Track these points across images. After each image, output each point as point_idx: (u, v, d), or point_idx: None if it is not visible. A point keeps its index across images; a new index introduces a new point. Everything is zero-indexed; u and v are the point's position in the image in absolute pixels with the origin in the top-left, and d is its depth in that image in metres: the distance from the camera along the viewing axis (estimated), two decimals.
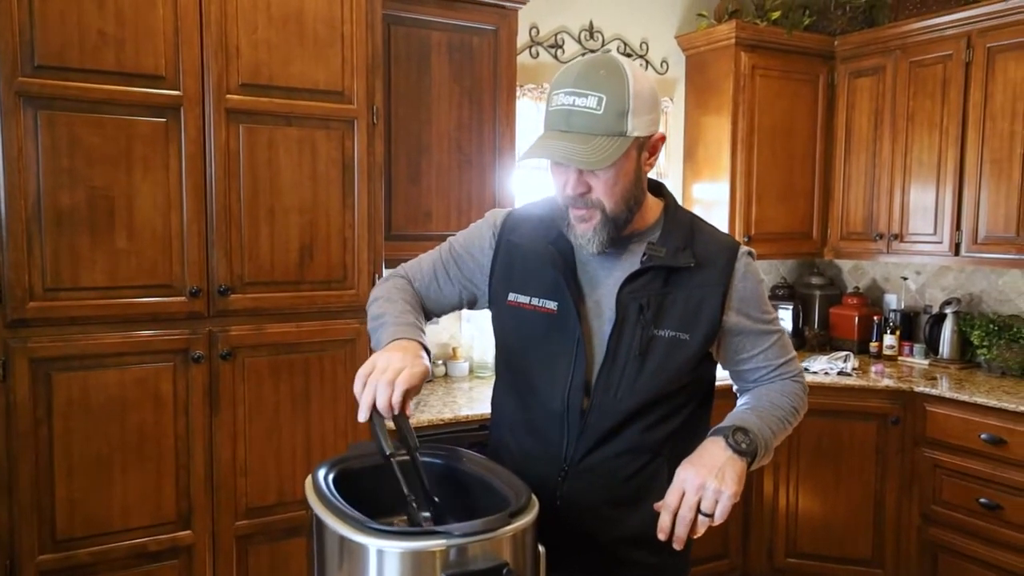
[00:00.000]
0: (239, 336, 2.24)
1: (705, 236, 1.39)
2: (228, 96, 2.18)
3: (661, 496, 1.31)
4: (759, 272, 1.41)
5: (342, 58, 2.32)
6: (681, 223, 1.39)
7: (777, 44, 3.57)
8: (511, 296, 1.41)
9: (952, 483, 3.01)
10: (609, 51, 1.31)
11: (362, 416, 1.18)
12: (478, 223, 1.51)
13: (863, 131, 3.65)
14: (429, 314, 1.50)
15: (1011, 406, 2.80)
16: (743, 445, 1.26)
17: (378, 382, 1.17)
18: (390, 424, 1.19)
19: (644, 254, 1.33)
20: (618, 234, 1.31)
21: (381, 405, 1.17)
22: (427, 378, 1.24)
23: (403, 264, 1.55)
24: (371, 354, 1.27)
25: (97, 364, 2.09)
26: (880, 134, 3.57)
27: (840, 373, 3.37)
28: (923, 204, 3.41)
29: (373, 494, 1.26)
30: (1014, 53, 3.05)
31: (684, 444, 1.37)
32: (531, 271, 1.39)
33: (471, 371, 3.31)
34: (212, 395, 2.22)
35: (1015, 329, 3.26)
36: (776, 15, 3.54)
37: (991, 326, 3.32)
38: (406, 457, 1.21)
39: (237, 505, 2.27)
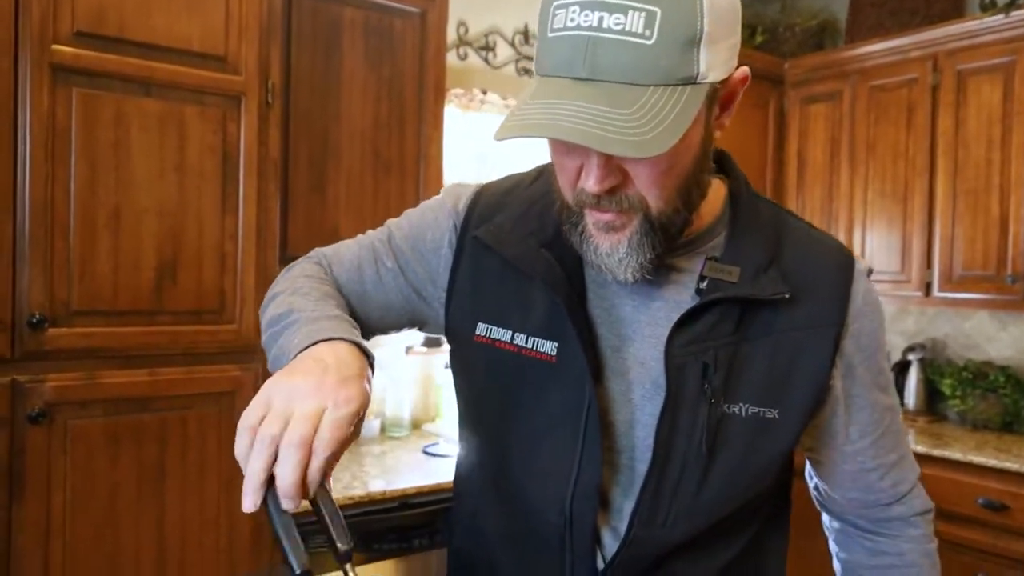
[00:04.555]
0: (60, 388, 1.56)
1: (800, 243, 0.86)
2: (55, 47, 1.54)
3: None
4: (880, 303, 0.89)
5: (226, 11, 1.73)
6: (761, 220, 0.85)
7: None
8: (480, 328, 0.86)
9: (944, 555, 2.61)
10: None
11: (248, 504, 0.62)
12: (432, 204, 0.95)
13: (818, 162, 3.34)
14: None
15: (1014, 466, 2.45)
16: None
17: (279, 442, 0.62)
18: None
19: (702, 277, 0.80)
20: (667, 249, 0.77)
21: (285, 486, 0.61)
22: (365, 412, 0.69)
23: (317, 249, 0.97)
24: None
25: None
26: (837, 164, 3.27)
27: None
28: (887, 240, 3.10)
29: None
30: (987, 76, 2.81)
31: (755, 566, 0.89)
32: (512, 290, 0.85)
33: (383, 430, 2.68)
34: (13, 475, 1.51)
35: (991, 378, 2.96)
36: None
37: (963, 374, 3.01)
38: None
39: None
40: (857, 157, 3.19)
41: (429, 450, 2.47)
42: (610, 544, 0.81)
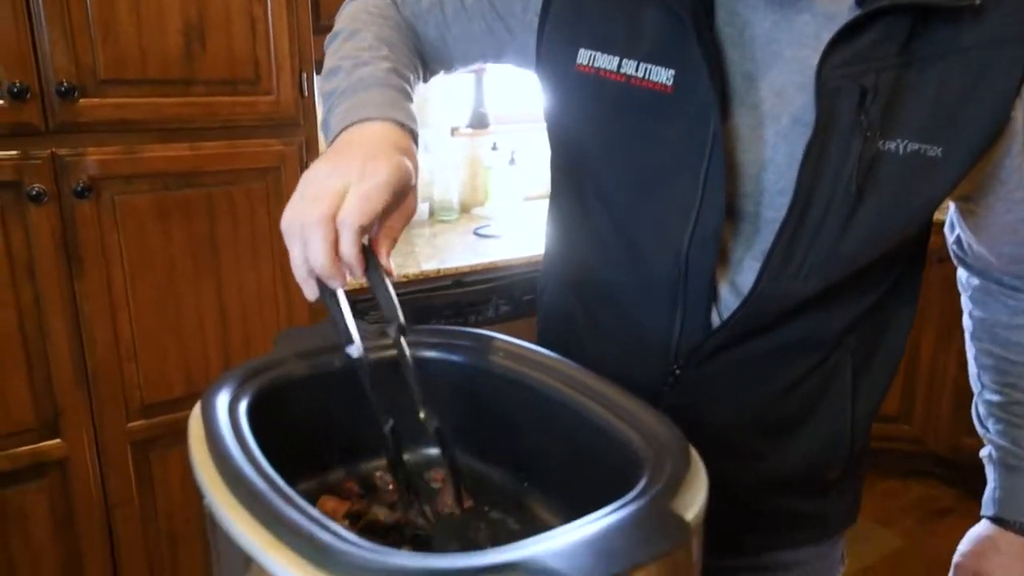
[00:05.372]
0: (102, 163, 1.52)
1: None
2: None
3: (833, 413, 0.77)
4: None
5: None
6: None
7: None
8: (582, 56, 0.74)
9: None
10: None
11: (308, 293, 0.60)
12: None
13: None
14: (430, 65, 0.84)
15: None
16: None
17: (308, 229, 0.57)
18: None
19: None
20: None
21: (317, 266, 0.57)
22: (407, 184, 0.61)
23: None
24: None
25: None
26: None
27: None
28: None
29: (335, 426, 0.67)
30: None
31: (879, 325, 0.79)
32: (620, 7, 0.72)
33: (432, 214, 2.65)
34: (69, 249, 1.52)
35: None
36: None
37: None
38: (388, 352, 0.66)
39: (128, 400, 1.64)
40: None
41: (480, 231, 2.44)
42: (728, 299, 0.73)
